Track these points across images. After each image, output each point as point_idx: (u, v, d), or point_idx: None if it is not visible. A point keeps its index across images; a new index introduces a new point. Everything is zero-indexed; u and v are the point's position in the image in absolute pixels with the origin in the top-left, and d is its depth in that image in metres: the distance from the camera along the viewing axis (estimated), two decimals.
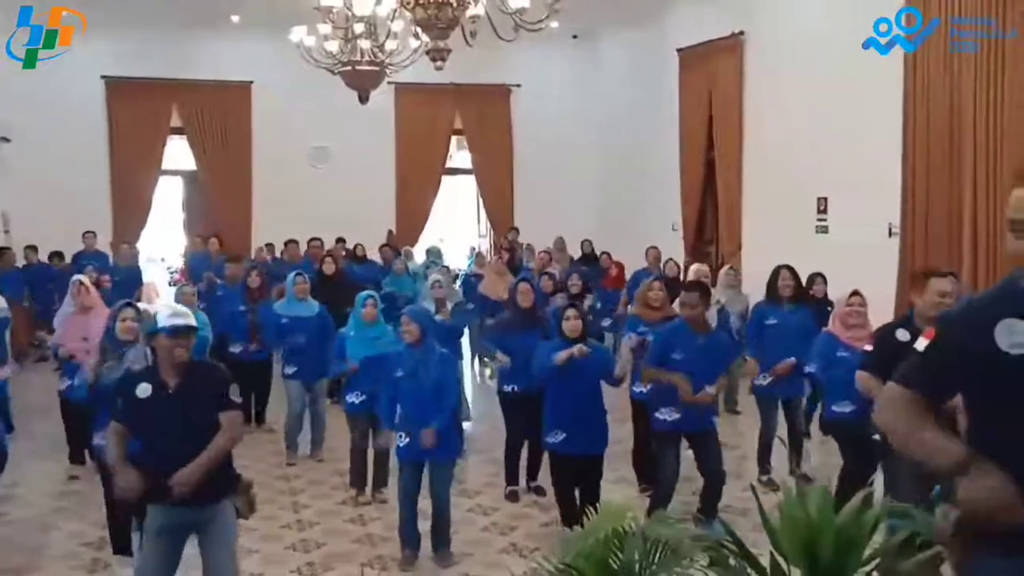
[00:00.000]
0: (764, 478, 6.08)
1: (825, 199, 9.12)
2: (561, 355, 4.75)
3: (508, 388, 5.91)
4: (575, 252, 11.99)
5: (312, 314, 6.81)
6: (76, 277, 6.47)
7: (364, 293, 6.05)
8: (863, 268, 7.05)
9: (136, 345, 4.28)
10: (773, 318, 6.13)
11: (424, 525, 4.90)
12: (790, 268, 6.29)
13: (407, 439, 4.74)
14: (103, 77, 12.33)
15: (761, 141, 10.10)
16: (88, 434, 4.76)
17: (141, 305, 4.92)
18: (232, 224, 12.78)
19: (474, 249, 13.03)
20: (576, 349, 4.76)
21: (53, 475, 6.41)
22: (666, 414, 4.96)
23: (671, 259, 9.16)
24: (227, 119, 12.88)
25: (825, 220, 9.16)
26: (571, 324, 4.88)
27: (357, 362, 5.73)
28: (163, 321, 3.57)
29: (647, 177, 12.41)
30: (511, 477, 5.95)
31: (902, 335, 4.00)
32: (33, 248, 10.92)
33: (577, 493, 4.97)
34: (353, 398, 5.86)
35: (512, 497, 5.87)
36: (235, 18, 11.89)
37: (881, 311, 5.56)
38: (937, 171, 7.59)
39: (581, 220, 12.86)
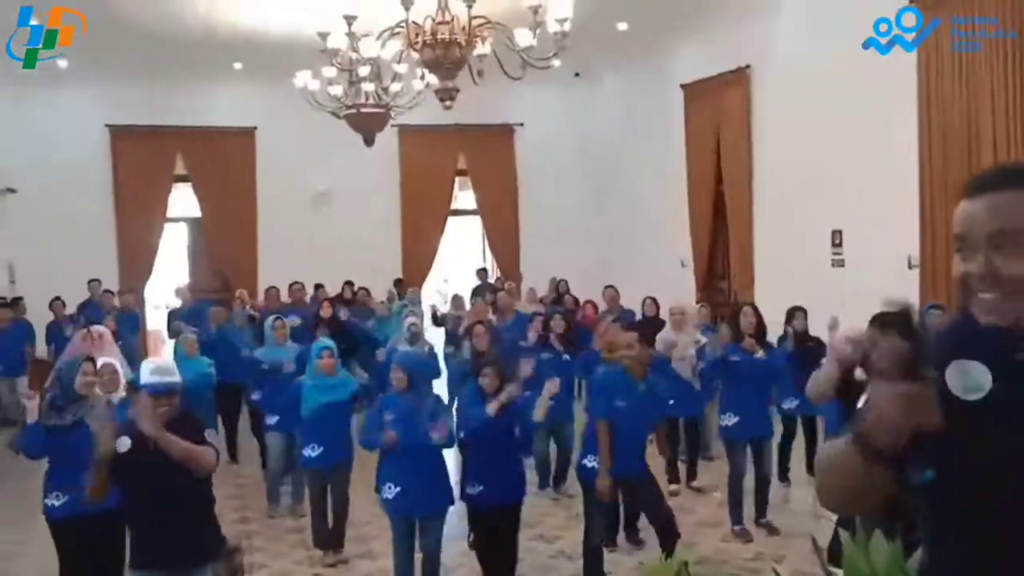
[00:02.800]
0: (737, 528, 5.79)
1: (840, 232, 8.97)
2: (492, 406, 4.55)
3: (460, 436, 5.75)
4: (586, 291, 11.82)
5: (291, 358, 6.57)
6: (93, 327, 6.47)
7: (319, 344, 5.76)
8: (882, 303, 6.86)
9: (96, 404, 4.07)
10: (736, 355, 5.91)
11: None
12: (753, 306, 6.20)
13: (396, 490, 4.53)
14: (107, 125, 12.29)
15: (772, 174, 9.99)
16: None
17: (104, 360, 4.64)
18: (237, 269, 12.68)
19: (480, 286, 12.90)
20: (504, 395, 4.55)
21: None
22: (593, 461, 4.78)
23: (649, 297, 8.95)
24: (231, 165, 12.80)
25: (841, 253, 8.99)
26: (488, 381, 4.67)
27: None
28: (145, 378, 3.40)
29: (655, 213, 12.30)
30: None
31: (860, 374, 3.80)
32: (60, 301, 10.70)
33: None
34: (309, 451, 5.55)
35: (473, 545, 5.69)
36: (237, 65, 11.90)
37: None
38: (956, 201, 7.42)
39: (588, 258, 12.74)
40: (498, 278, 13.40)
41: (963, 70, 7.27)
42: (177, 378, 3.50)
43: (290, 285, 10.83)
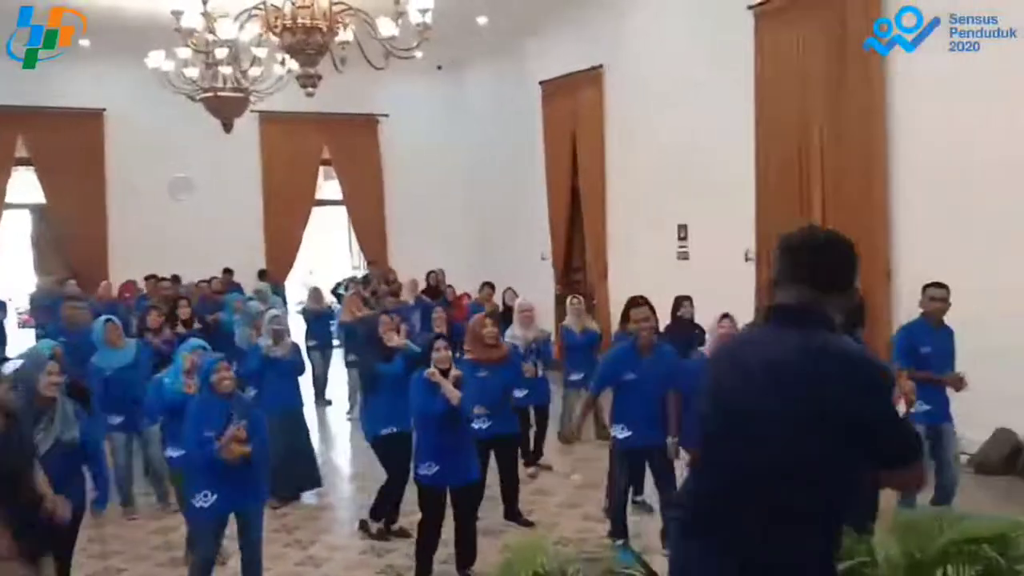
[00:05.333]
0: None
1: (685, 226, 9.51)
2: (452, 395, 4.63)
3: (386, 431, 5.64)
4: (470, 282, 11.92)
5: (130, 360, 6.24)
6: None
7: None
8: (723, 293, 7.14)
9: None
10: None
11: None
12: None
13: (213, 497, 4.26)
14: None
15: (623, 170, 10.47)
16: None
17: None
18: (87, 261, 12.06)
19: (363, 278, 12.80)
20: (453, 379, 4.70)
21: None
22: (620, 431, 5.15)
23: (509, 288, 9.29)
24: (78, 149, 12.15)
25: (686, 247, 9.54)
26: (441, 355, 4.77)
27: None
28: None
29: (516, 207, 12.63)
30: (392, 514, 5.74)
31: None
32: None
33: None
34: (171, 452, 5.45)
35: (380, 535, 5.64)
36: (84, 42, 11.30)
37: None
38: (787, 197, 8.01)
39: (453, 250, 12.89)
40: (390, 277, 13.23)
41: (795, 74, 7.83)
42: None
43: (145, 278, 10.43)
